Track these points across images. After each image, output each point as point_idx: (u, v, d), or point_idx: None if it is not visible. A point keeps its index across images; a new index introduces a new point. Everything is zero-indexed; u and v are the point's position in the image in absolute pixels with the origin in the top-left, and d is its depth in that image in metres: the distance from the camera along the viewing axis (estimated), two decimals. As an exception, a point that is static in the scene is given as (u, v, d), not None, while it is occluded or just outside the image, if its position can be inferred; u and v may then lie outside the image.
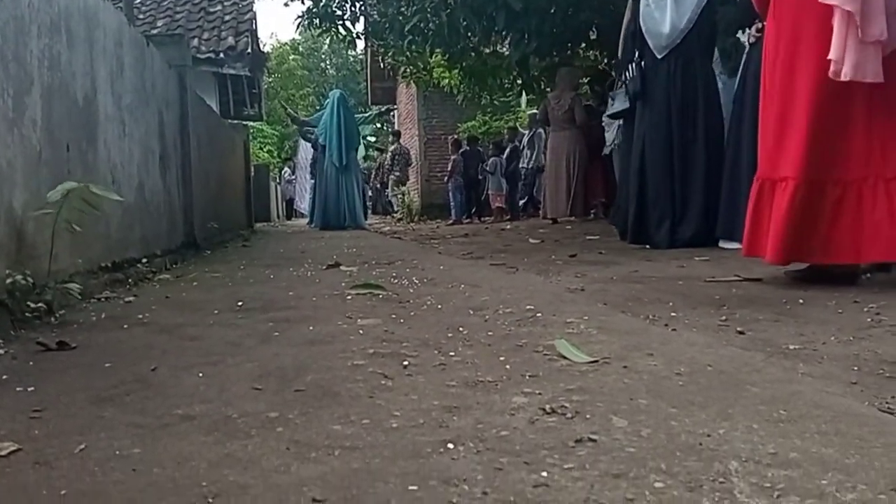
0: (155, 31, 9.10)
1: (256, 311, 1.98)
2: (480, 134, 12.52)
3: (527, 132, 11.04)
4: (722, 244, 4.26)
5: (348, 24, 9.56)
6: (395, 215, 14.75)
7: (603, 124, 8.49)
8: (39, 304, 1.74)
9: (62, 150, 2.17)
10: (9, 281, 1.64)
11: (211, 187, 5.15)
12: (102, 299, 2.23)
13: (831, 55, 2.41)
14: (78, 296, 1.96)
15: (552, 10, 7.54)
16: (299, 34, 27.91)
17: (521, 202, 11.05)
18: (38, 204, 1.93)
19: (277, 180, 17.62)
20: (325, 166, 9.25)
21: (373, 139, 18.29)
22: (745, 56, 4.42)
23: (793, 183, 2.44)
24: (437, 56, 9.71)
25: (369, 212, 16.36)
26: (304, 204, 17.90)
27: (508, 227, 8.56)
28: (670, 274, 3.09)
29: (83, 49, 2.42)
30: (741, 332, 1.79)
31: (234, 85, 11.10)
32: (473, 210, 11.19)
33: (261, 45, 10.72)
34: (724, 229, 4.29)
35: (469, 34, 8.49)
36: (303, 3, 9.74)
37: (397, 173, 15.47)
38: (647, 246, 4.60)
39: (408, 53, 9.09)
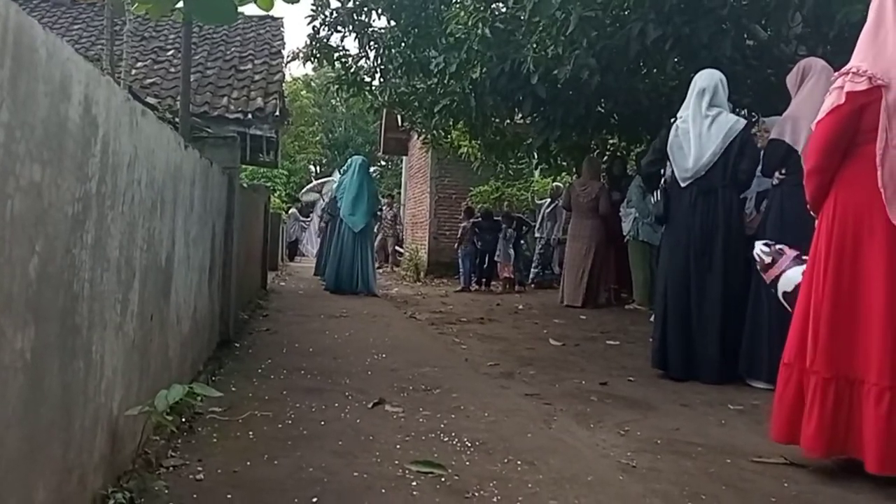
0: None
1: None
2: (493, 200, 12.65)
3: (546, 202, 11.18)
4: (750, 382, 4.32)
5: (377, 92, 9.75)
6: (398, 271, 14.89)
7: (620, 214, 8.66)
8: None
9: (147, 322, 2.21)
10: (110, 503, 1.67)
11: (240, 271, 5.18)
12: (171, 469, 2.25)
13: None
14: (165, 489, 1.98)
15: (577, 102, 7.69)
16: (312, 70, 28.29)
17: (535, 271, 11.16)
18: (129, 397, 1.96)
19: (284, 220, 17.68)
20: (342, 230, 9.32)
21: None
22: (769, 195, 4.54)
23: (876, 389, 2.50)
24: (458, 125, 9.89)
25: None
26: (312, 248, 18.04)
27: (520, 306, 8.59)
28: (714, 441, 3.12)
29: (169, 212, 2.47)
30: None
31: (253, 136, 11.20)
32: (482, 277, 11.23)
33: (285, 102, 10.84)
34: (745, 367, 4.35)
35: (494, 116, 8.67)
36: (332, 68, 9.95)
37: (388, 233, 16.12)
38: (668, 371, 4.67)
39: (434, 132, 9.27)
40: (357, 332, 5.75)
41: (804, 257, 3.34)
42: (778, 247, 3.53)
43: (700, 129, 4.50)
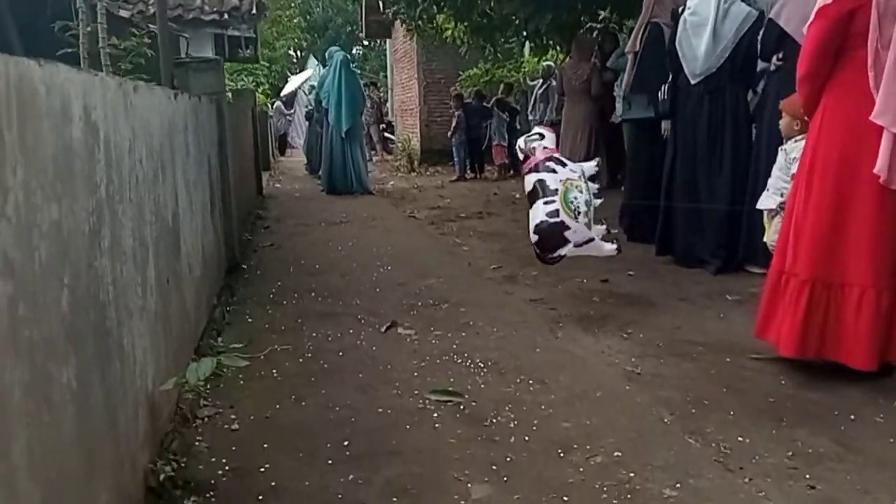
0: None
1: (366, 457, 2.15)
2: (483, 83, 12.37)
3: (538, 83, 10.95)
4: (748, 267, 4.45)
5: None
6: (391, 160, 14.81)
7: (615, 94, 8.50)
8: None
9: (164, 288, 2.27)
10: (161, 477, 1.80)
11: (238, 190, 5.19)
12: (206, 420, 2.39)
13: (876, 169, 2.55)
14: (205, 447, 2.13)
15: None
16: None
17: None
18: (160, 367, 2.06)
19: (270, 115, 17.35)
20: (331, 132, 9.16)
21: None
22: (766, 81, 4.48)
23: (872, 291, 2.60)
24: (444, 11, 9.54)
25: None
26: (300, 140, 17.81)
27: (517, 195, 8.62)
28: (713, 338, 3.27)
29: (170, 171, 2.47)
30: (812, 487, 2.00)
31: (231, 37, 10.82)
32: (475, 164, 11.23)
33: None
34: (744, 254, 4.47)
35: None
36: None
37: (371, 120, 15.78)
38: (671, 257, 4.83)
39: (418, 22, 8.95)
40: (359, 241, 5.83)
41: (550, 162, 3.55)
42: (533, 145, 3.68)
43: (714, 23, 4.37)
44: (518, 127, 11.56)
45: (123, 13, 6.42)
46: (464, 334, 3.34)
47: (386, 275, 4.62)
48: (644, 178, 5.58)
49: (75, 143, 1.37)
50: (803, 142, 3.61)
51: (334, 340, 3.28)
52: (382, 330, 3.41)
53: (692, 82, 4.51)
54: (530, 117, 11.08)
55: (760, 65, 4.70)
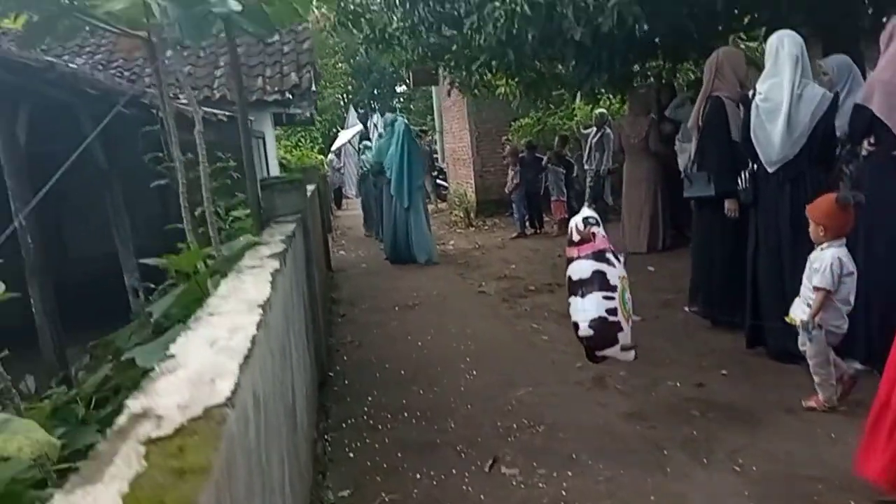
0: (219, 72, 9.07)
1: None
2: (535, 133, 12.37)
3: (592, 132, 10.89)
4: (847, 361, 4.29)
5: (407, 47, 9.46)
6: (445, 210, 14.85)
7: (675, 149, 8.39)
8: None
9: (292, 470, 2.28)
10: None
11: (319, 288, 5.24)
12: None
13: None
14: None
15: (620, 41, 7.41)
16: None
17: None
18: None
19: (326, 173, 17.70)
20: (393, 200, 9.23)
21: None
22: (858, 168, 4.36)
23: None
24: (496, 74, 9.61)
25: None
26: (353, 190, 18.09)
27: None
28: (831, 471, 3.13)
29: (287, 344, 2.50)
30: None
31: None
32: (534, 219, 11.20)
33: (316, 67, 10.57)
34: (843, 346, 4.30)
35: (535, 60, 8.40)
36: (360, 32, 9.67)
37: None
38: (763, 348, 4.70)
39: (475, 90, 9.02)
40: (437, 332, 5.83)
41: (610, 255, 3.39)
42: (593, 230, 3.53)
43: (788, 108, 4.28)
44: (575, 175, 11.51)
45: (206, 109, 6.60)
46: (570, 473, 3.28)
47: (473, 383, 4.59)
48: (713, 260, 5.45)
49: (250, 439, 1.38)
50: (828, 251, 3.54)
51: (439, 485, 3.25)
52: (486, 469, 3.37)
53: (770, 170, 4.41)
54: (586, 167, 11.02)
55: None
